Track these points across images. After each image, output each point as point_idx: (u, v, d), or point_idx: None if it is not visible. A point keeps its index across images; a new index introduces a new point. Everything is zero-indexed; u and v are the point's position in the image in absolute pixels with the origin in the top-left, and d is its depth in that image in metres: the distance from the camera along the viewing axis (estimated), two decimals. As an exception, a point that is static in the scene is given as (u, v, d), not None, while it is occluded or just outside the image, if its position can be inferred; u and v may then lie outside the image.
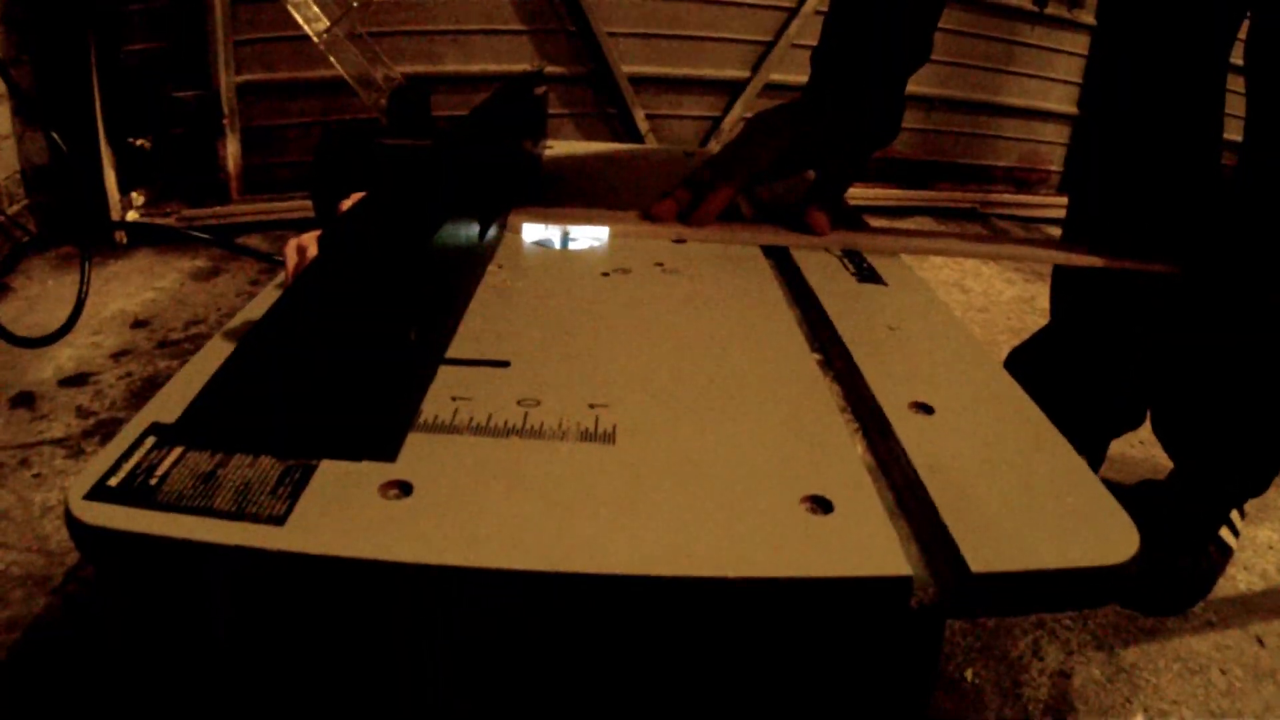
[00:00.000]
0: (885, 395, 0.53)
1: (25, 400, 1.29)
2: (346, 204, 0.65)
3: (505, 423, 0.47)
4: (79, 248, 1.30)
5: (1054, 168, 2.83)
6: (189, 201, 2.13)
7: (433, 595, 0.38)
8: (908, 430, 0.49)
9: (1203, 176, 1.02)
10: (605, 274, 0.73)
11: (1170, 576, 1.01)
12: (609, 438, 0.47)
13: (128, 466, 0.41)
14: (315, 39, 0.84)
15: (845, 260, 0.79)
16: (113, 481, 0.40)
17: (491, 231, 0.74)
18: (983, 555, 0.39)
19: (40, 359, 1.41)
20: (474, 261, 0.69)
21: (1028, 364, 1.19)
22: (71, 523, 0.38)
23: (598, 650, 0.46)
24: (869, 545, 0.39)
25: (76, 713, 0.77)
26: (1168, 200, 1.02)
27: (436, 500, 0.40)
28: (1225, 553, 1.06)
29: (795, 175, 0.93)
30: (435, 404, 0.49)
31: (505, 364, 0.54)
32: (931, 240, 0.92)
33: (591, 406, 0.50)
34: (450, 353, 0.56)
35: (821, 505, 0.42)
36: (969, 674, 0.89)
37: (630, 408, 0.50)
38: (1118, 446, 1.27)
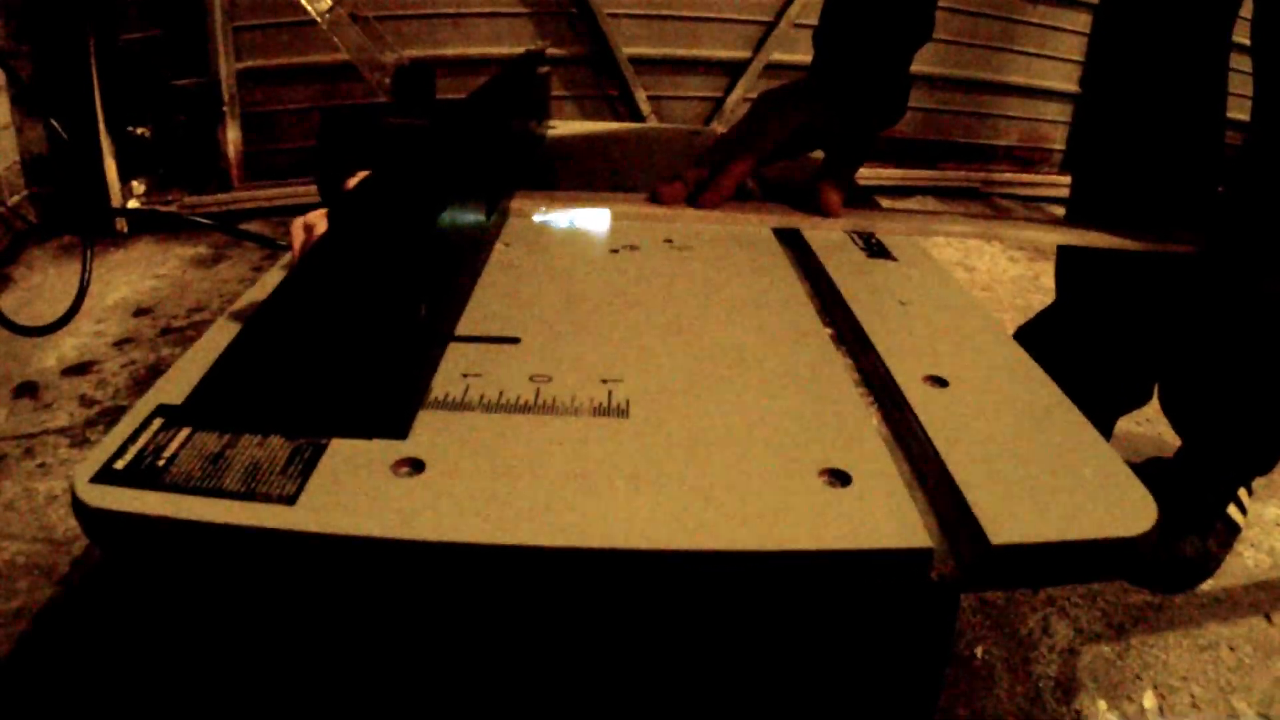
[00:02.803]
0: (899, 369, 0.52)
1: (29, 390, 1.29)
2: (352, 182, 0.65)
3: (517, 399, 0.47)
4: (80, 236, 1.29)
5: (1056, 146, 2.82)
6: (190, 189, 2.13)
7: (448, 573, 0.37)
8: (923, 403, 0.48)
9: (1206, 155, 1.02)
10: (614, 251, 0.72)
11: (1178, 554, 1.00)
12: (623, 412, 0.46)
13: (134, 449, 0.40)
14: (318, 19, 0.83)
15: (854, 236, 0.79)
16: (119, 464, 0.39)
17: (497, 211, 0.74)
18: (1002, 528, 0.38)
19: (43, 349, 1.40)
20: (481, 238, 0.68)
21: (1034, 342, 1.18)
22: (78, 507, 0.37)
23: (616, 626, 0.46)
24: (888, 518, 0.39)
25: (83, 703, 0.76)
26: (1171, 178, 1.01)
27: (449, 477, 0.40)
28: (1233, 530, 1.06)
29: (804, 155, 0.92)
30: (445, 381, 0.48)
31: (515, 340, 0.54)
32: (947, 222, 0.91)
33: (604, 381, 0.49)
34: (459, 330, 0.55)
35: (839, 478, 0.41)
36: (979, 651, 0.89)
37: (643, 382, 0.50)
38: (1124, 424, 1.27)
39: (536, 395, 0.48)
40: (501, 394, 0.47)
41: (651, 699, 0.48)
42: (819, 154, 0.90)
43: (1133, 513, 0.41)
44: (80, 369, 1.36)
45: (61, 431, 1.19)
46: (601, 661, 0.47)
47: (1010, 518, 0.39)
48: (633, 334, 0.56)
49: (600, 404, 0.47)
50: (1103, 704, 0.85)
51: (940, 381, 0.51)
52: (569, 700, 0.48)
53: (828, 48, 0.91)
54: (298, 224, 0.61)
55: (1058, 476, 0.43)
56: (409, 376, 0.46)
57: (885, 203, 0.95)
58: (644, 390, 0.49)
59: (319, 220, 0.60)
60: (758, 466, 0.42)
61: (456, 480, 0.40)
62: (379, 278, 0.45)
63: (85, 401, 1.27)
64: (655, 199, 0.84)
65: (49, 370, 1.35)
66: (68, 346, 1.43)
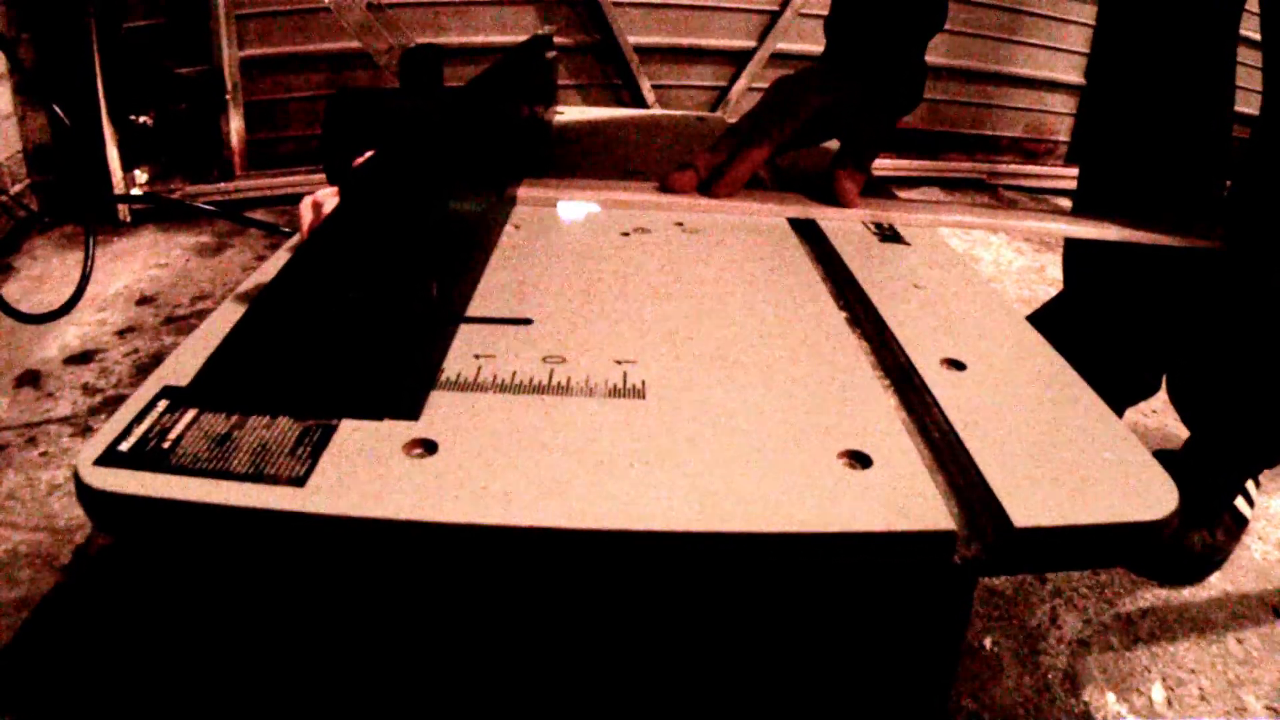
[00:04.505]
0: (916, 352, 0.52)
1: (31, 379, 1.28)
2: (359, 161, 0.64)
3: (531, 380, 0.47)
4: (83, 224, 1.28)
5: (1061, 138, 2.81)
6: (192, 178, 2.12)
7: (461, 555, 0.37)
8: (941, 387, 0.48)
9: (1212, 147, 1.01)
10: (624, 234, 0.72)
11: (1186, 546, 1.00)
12: (639, 393, 0.46)
13: (140, 430, 0.40)
14: (328, 2, 0.82)
15: (866, 220, 0.78)
16: (124, 446, 0.39)
17: (506, 192, 0.73)
18: (1025, 510, 0.38)
19: (45, 337, 1.40)
20: (491, 220, 0.68)
21: (1041, 332, 1.18)
22: (82, 489, 0.37)
23: (633, 608, 0.45)
24: (910, 500, 0.38)
25: (87, 693, 0.76)
26: (1177, 171, 1.01)
27: (463, 458, 0.39)
28: (1240, 522, 1.06)
29: (818, 144, 0.91)
30: (457, 362, 0.48)
31: (528, 322, 0.53)
32: (965, 213, 0.89)
33: (619, 363, 0.49)
34: (470, 311, 0.55)
35: (860, 460, 0.41)
36: (988, 642, 0.89)
37: (658, 364, 0.49)
38: (1131, 415, 1.26)
39: (550, 376, 0.47)
40: (515, 375, 0.47)
41: (668, 681, 0.48)
42: (833, 143, 0.89)
43: (1154, 497, 0.40)
44: (83, 358, 1.36)
45: (64, 420, 1.18)
46: (618, 643, 0.47)
47: (1033, 501, 0.39)
48: (646, 316, 0.56)
49: (616, 385, 0.47)
50: (1111, 696, 0.84)
51: (958, 365, 0.51)
52: (585, 682, 0.48)
53: (842, 34, 0.90)
54: (306, 203, 0.60)
55: (1078, 460, 0.43)
56: (420, 356, 0.45)
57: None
58: (659, 372, 0.48)
59: (328, 199, 0.59)
60: (776, 448, 0.42)
61: (469, 461, 0.39)
62: (390, 254, 0.44)
63: (88, 390, 1.26)
64: (666, 187, 0.83)
65: (51, 359, 1.35)
66: (70, 335, 1.42)
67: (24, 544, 0.94)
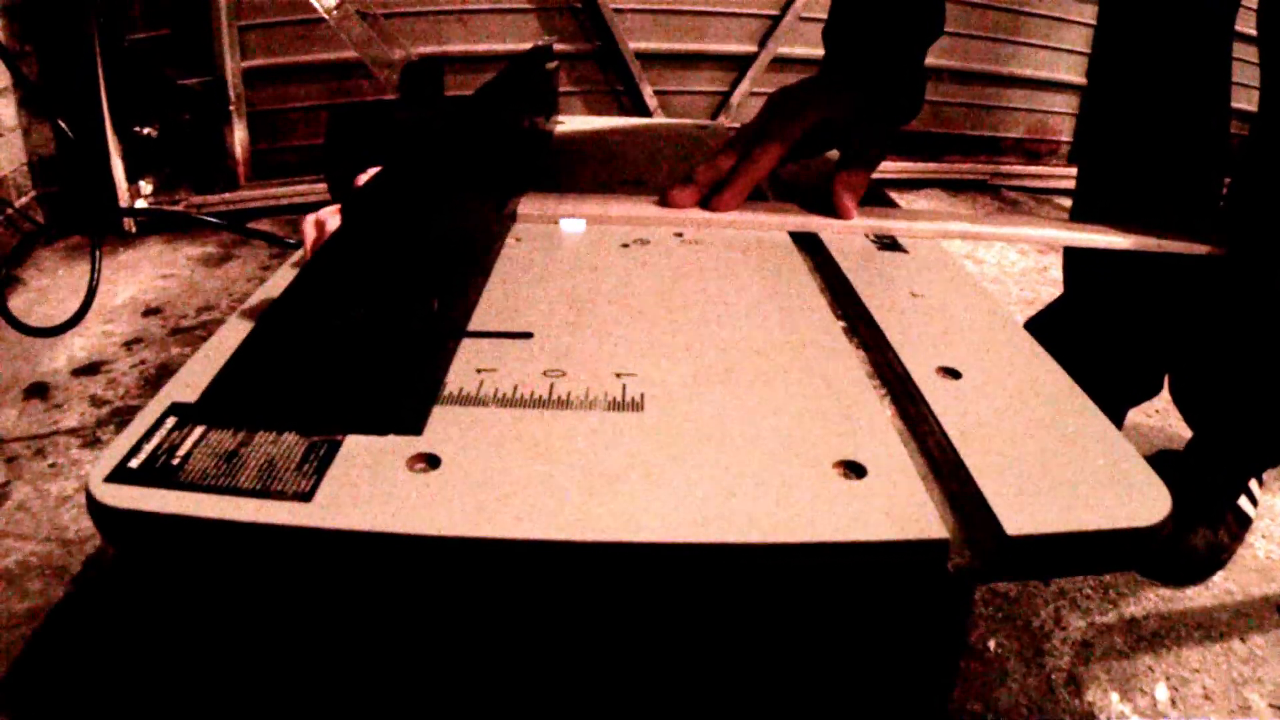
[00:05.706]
0: (912, 361, 0.52)
1: (39, 391, 1.29)
2: (362, 179, 0.65)
3: (531, 394, 0.47)
4: (89, 236, 1.29)
5: (1063, 138, 2.81)
6: (197, 188, 2.13)
7: (464, 568, 0.37)
8: (936, 395, 0.49)
9: (1211, 145, 1.01)
10: (624, 245, 0.72)
11: (1189, 546, 1.00)
12: (637, 406, 0.46)
13: (149, 447, 0.41)
14: (326, 16, 0.83)
15: (867, 232, 0.79)
16: (134, 463, 0.39)
17: (507, 206, 0.74)
18: (1018, 518, 0.38)
19: (53, 349, 1.41)
20: (492, 234, 0.68)
21: (1042, 335, 1.17)
22: (93, 506, 0.37)
23: (633, 619, 0.46)
24: (904, 509, 0.39)
25: (96, 704, 0.77)
26: (1176, 169, 1.01)
27: (466, 472, 0.40)
28: (1244, 522, 1.06)
29: (819, 155, 0.90)
30: (459, 376, 0.48)
31: (528, 335, 0.54)
32: (969, 224, 0.88)
33: (618, 376, 0.49)
34: (472, 325, 0.55)
35: (854, 470, 0.42)
36: (991, 644, 0.89)
37: (657, 376, 0.50)
38: (1134, 416, 1.27)
39: (550, 390, 0.48)
40: (516, 389, 0.48)
41: (668, 691, 0.48)
42: (834, 153, 0.89)
43: (1147, 503, 0.41)
44: (90, 369, 1.37)
45: (72, 432, 1.19)
46: (619, 655, 0.47)
47: (1025, 508, 0.39)
48: (645, 328, 0.56)
49: (615, 398, 0.47)
50: (1115, 696, 0.84)
51: (953, 373, 0.51)
52: (587, 691, 0.48)
53: (840, 43, 0.90)
54: (309, 221, 0.60)
55: (1072, 467, 0.43)
56: (423, 371, 0.46)
57: (894, 197, 0.94)
58: (658, 384, 0.49)
59: (330, 217, 0.60)
60: (773, 459, 0.42)
61: (472, 475, 0.40)
62: (392, 272, 0.45)
63: (96, 402, 1.27)
64: (667, 203, 0.82)
65: (59, 371, 1.35)
66: (77, 347, 1.43)
67: (34, 555, 0.94)
